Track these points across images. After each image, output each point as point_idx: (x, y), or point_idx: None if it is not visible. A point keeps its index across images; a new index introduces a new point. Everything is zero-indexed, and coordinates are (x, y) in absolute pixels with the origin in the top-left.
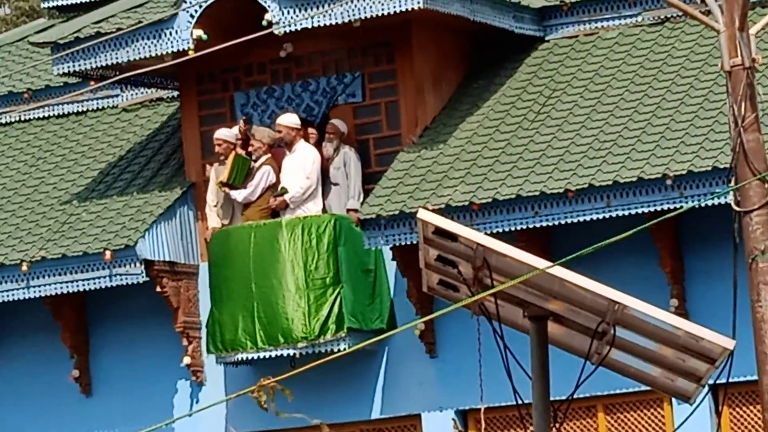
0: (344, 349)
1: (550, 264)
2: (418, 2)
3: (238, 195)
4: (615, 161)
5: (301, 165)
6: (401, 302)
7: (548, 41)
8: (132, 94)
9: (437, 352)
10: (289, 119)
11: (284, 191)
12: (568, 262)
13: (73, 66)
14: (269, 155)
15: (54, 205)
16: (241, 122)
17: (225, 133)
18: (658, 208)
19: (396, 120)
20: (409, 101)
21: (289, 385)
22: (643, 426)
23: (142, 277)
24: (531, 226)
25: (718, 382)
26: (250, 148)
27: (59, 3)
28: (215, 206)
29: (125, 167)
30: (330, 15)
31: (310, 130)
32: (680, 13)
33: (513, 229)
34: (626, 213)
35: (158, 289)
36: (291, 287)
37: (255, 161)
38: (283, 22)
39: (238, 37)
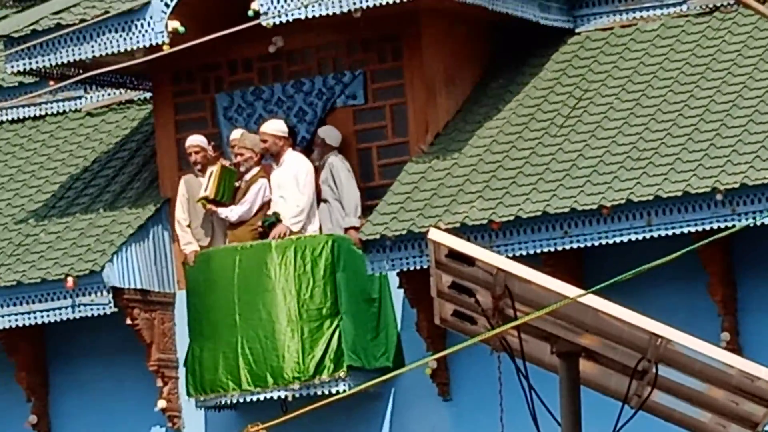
0: (344, 391)
1: (583, 292)
2: None
3: (231, 213)
4: (657, 173)
5: (291, 179)
6: (410, 336)
7: (579, 34)
8: (98, 96)
9: (451, 394)
10: (275, 126)
11: (276, 217)
12: (603, 290)
13: (30, 63)
14: (260, 167)
15: (7, 225)
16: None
17: (200, 140)
18: (707, 227)
19: (403, 125)
20: (418, 104)
21: None
22: None
23: (110, 307)
24: (560, 248)
25: None
26: (238, 158)
27: None
28: (188, 226)
29: (90, 180)
30: (327, 4)
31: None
32: (732, 1)
33: (539, 251)
34: (670, 233)
35: (129, 321)
36: (282, 319)
37: (244, 173)
38: (273, 13)
39: (220, 29)
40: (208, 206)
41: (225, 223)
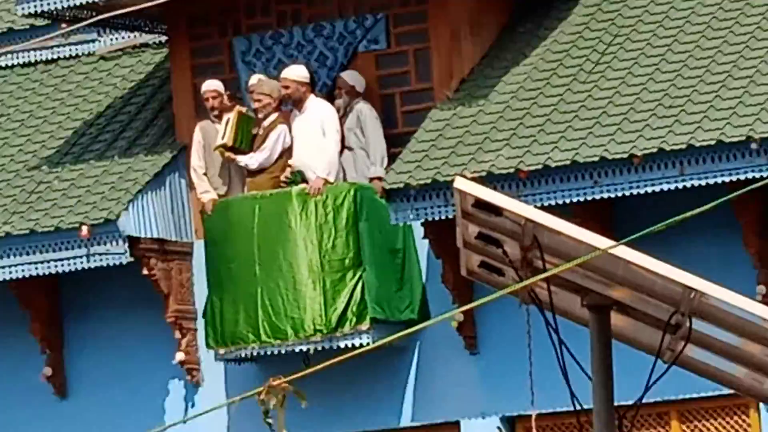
0: (367, 344)
1: (614, 243)
2: None
3: (251, 161)
4: (689, 121)
5: (317, 126)
6: (435, 288)
7: None
8: (111, 39)
9: (479, 347)
10: (297, 72)
11: (300, 176)
12: (635, 241)
13: (41, 5)
14: (279, 113)
15: (20, 172)
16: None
17: (217, 84)
18: (742, 177)
19: (427, 71)
20: (442, 48)
21: (302, 386)
22: None
23: (126, 257)
24: (590, 197)
25: None
26: (256, 105)
27: None
28: (205, 174)
29: (104, 126)
30: None
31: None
32: None
33: (568, 201)
34: (703, 182)
35: (145, 271)
36: (303, 270)
37: (262, 120)
38: None
39: None
40: (227, 154)
41: (243, 171)
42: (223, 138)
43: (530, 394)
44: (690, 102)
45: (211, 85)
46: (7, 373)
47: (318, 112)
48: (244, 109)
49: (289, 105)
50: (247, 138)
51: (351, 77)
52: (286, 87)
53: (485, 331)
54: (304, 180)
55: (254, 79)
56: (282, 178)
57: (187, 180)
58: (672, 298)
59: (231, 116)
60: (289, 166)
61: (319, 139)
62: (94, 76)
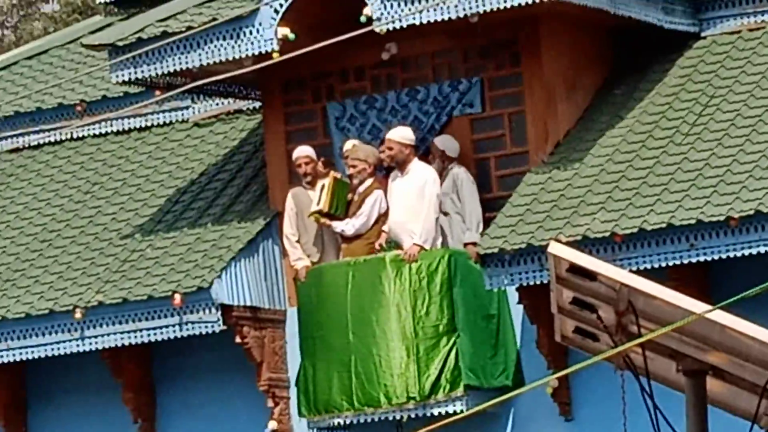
0: (461, 411)
1: (710, 308)
2: None
3: (347, 227)
4: None
5: (417, 190)
6: (530, 354)
7: (705, 38)
8: (205, 106)
9: (573, 413)
10: (402, 133)
11: (395, 245)
12: (731, 305)
13: (135, 73)
14: (373, 178)
15: (113, 240)
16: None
17: (309, 151)
18: None
19: (522, 134)
20: (537, 112)
21: None
22: None
23: (219, 325)
24: (686, 261)
25: None
26: (350, 170)
27: None
28: (297, 241)
29: (198, 193)
30: (442, 9)
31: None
32: None
33: (664, 265)
34: None
35: (238, 339)
36: (396, 336)
37: (357, 185)
38: (386, 18)
39: (331, 36)
40: (322, 220)
41: (337, 238)
42: (318, 204)
43: None
44: None
45: (304, 151)
46: None
47: (421, 175)
48: (338, 175)
49: (383, 171)
50: (342, 204)
51: (442, 142)
52: (390, 148)
53: (580, 397)
54: (399, 247)
55: (349, 145)
56: (377, 245)
57: (281, 247)
58: None
59: (326, 182)
60: (384, 232)
61: (418, 203)
62: (188, 143)
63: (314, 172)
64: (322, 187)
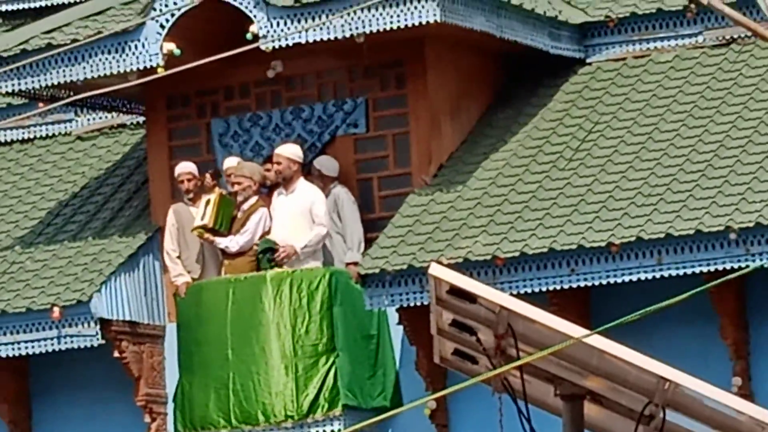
0: (339, 431)
1: (589, 332)
2: (435, 14)
3: (231, 243)
4: (668, 210)
5: (304, 210)
6: (408, 375)
7: (590, 64)
8: (89, 119)
9: None
10: (292, 150)
11: (273, 244)
12: (610, 331)
13: (19, 84)
14: (258, 196)
15: None
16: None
17: (191, 167)
18: (720, 267)
19: (406, 156)
20: (422, 133)
21: None
22: None
23: (98, 339)
24: (566, 286)
25: None
26: (235, 187)
27: (2, 8)
28: (178, 257)
29: (79, 207)
30: (329, 28)
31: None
32: (749, 33)
33: (544, 289)
34: (681, 272)
35: (116, 354)
36: (275, 355)
37: (242, 203)
38: (272, 36)
39: (217, 52)
40: (206, 235)
41: (218, 254)
42: (202, 219)
43: None
44: (669, 191)
45: (186, 168)
46: None
47: (306, 196)
48: (224, 192)
49: (265, 189)
50: (227, 220)
51: (320, 163)
52: (279, 163)
53: (458, 419)
54: (276, 249)
55: (232, 162)
56: (254, 247)
57: (161, 262)
58: (646, 389)
59: (212, 197)
60: (256, 245)
61: (305, 223)
62: (71, 156)
63: (196, 188)
64: (207, 202)
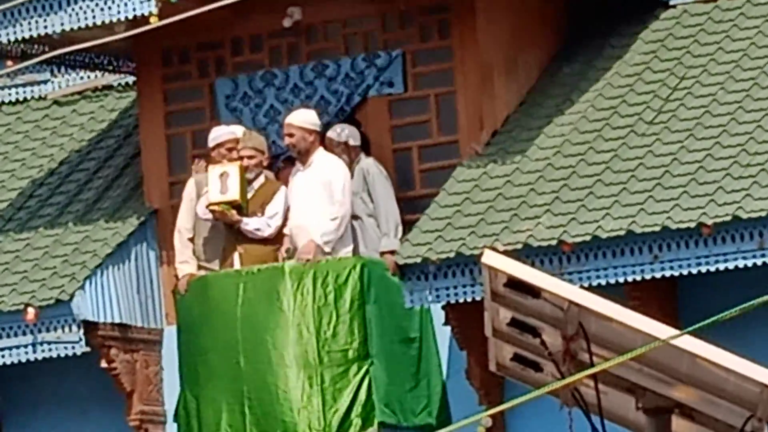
0: None
1: (677, 333)
2: None
3: (263, 225)
4: None
5: (322, 185)
6: (458, 386)
7: (674, 6)
8: (67, 80)
9: None
10: (305, 117)
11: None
12: (703, 330)
13: None
14: (264, 173)
15: None
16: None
17: (236, 131)
18: None
19: (452, 121)
20: (471, 93)
21: None
22: None
23: (81, 346)
24: (648, 276)
25: None
26: (244, 162)
27: None
28: (190, 239)
29: (57, 186)
30: None
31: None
32: None
33: (622, 280)
34: None
35: (104, 363)
36: (297, 363)
37: (252, 180)
38: None
39: None
40: (231, 212)
41: (233, 240)
42: (224, 193)
43: None
44: None
45: (228, 133)
46: None
47: (326, 169)
48: (244, 163)
49: (278, 164)
50: (245, 199)
51: (342, 130)
52: (291, 135)
53: None
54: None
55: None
56: (282, 252)
57: (158, 252)
58: (747, 400)
59: (229, 169)
60: (286, 234)
61: (323, 201)
62: (46, 125)
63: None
64: (223, 174)
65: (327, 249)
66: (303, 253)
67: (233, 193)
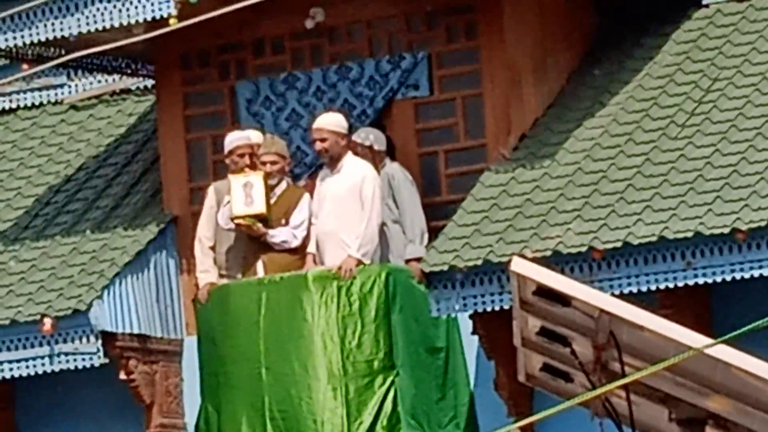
0: None
1: (710, 342)
2: None
3: (289, 237)
4: None
5: (353, 192)
6: (486, 397)
7: (708, 6)
8: (84, 84)
9: None
10: (336, 121)
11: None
12: (738, 339)
13: None
14: (286, 179)
15: None
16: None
17: (251, 137)
18: None
19: (479, 124)
20: (498, 96)
21: None
22: None
23: (100, 357)
24: (681, 283)
25: None
26: (267, 167)
27: None
28: (211, 247)
29: (74, 193)
30: None
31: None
32: None
33: (654, 288)
34: None
35: (123, 375)
36: (321, 374)
37: (274, 187)
38: None
39: None
40: (257, 226)
41: (255, 249)
42: (248, 206)
43: None
44: None
45: (241, 138)
46: None
47: (356, 172)
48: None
49: (311, 168)
50: (270, 211)
51: (366, 135)
52: (323, 139)
53: None
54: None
55: (254, 135)
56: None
57: (177, 260)
58: None
59: (252, 179)
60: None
61: (353, 207)
62: (63, 130)
63: (243, 168)
64: (246, 184)
65: (366, 261)
66: (345, 270)
67: (259, 206)
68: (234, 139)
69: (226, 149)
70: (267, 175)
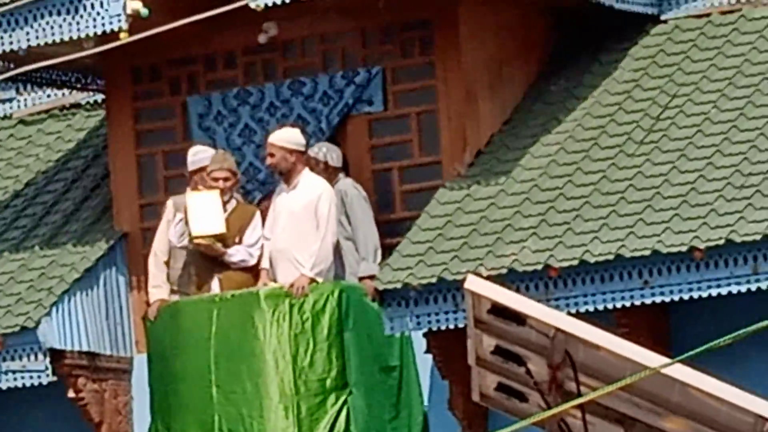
0: None
1: (668, 361)
2: None
3: (245, 255)
4: (767, 206)
5: (308, 208)
6: (440, 417)
7: (666, 22)
8: (33, 99)
9: None
10: (288, 136)
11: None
12: (695, 358)
13: None
14: (234, 196)
15: None
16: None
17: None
18: None
19: (434, 140)
20: (454, 111)
21: None
22: None
23: (48, 375)
24: (638, 302)
25: None
26: (220, 184)
27: None
28: (166, 262)
29: (23, 209)
30: None
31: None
32: None
33: (611, 306)
34: None
35: (72, 393)
36: (272, 392)
37: (225, 203)
38: None
39: (194, 13)
40: (216, 246)
41: (209, 266)
42: (208, 226)
43: None
44: (767, 181)
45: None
46: None
47: (313, 191)
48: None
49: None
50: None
51: (323, 151)
52: (272, 155)
53: None
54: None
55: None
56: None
57: (127, 278)
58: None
59: (211, 196)
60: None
61: (310, 226)
62: (11, 145)
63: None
64: (202, 202)
65: (320, 280)
66: (297, 288)
67: (219, 226)
68: (204, 156)
69: (194, 166)
70: (222, 192)
